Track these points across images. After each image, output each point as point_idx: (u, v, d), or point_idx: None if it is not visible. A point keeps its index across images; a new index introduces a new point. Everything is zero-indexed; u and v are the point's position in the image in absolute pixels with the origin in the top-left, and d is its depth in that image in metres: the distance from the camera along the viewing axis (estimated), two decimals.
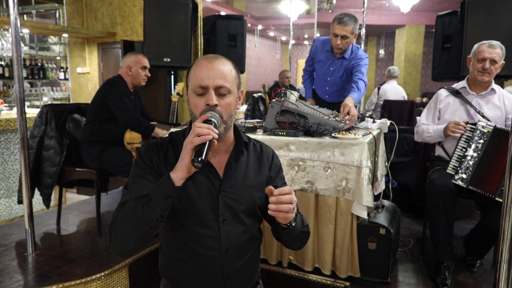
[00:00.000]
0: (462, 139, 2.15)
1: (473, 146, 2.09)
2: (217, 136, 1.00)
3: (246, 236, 1.19)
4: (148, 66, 2.74)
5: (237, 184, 1.16)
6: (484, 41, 2.20)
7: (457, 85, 2.36)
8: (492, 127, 2.07)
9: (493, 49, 2.15)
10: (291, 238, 1.18)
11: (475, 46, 2.23)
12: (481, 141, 2.08)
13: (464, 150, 2.12)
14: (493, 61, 2.16)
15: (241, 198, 1.16)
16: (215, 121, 1.03)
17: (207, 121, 1.02)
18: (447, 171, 2.14)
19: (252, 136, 1.36)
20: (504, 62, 2.20)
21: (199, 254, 1.14)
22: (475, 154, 2.08)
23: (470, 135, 2.12)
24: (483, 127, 2.09)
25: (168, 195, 1.00)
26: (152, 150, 1.15)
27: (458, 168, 2.10)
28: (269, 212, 1.01)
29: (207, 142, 0.97)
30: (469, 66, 2.27)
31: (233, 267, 1.17)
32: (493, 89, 2.27)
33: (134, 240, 1.04)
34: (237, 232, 1.16)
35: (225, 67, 1.11)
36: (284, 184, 1.30)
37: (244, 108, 5.68)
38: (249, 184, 1.18)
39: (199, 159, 0.95)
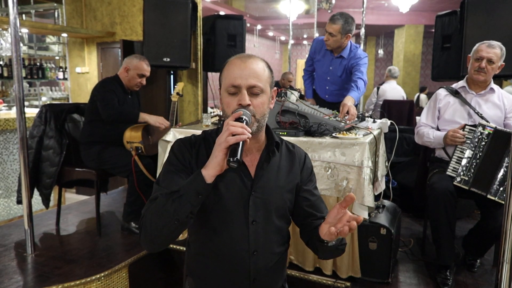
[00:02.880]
0: None
1: (473, 148, 2.08)
2: (250, 135, 0.99)
3: (275, 239, 1.17)
4: (147, 74, 2.71)
5: (268, 185, 1.15)
6: (485, 41, 2.20)
7: (457, 85, 2.36)
8: (493, 129, 2.06)
9: (492, 49, 2.15)
10: (324, 250, 1.13)
11: (476, 45, 2.23)
12: (482, 143, 2.06)
13: (464, 152, 2.11)
14: (490, 61, 2.16)
15: (272, 200, 1.15)
16: (247, 118, 1.02)
17: (239, 119, 1.01)
18: (447, 173, 2.13)
19: None
20: (503, 63, 2.20)
21: (226, 253, 1.13)
22: (476, 156, 2.07)
23: (470, 136, 2.11)
24: (484, 128, 2.07)
25: (199, 192, 0.99)
26: (185, 146, 1.14)
27: (459, 170, 2.08)
28: (332, 230, 0.95)
29: (241, 141, 0.96)
30: (468, 65, 2.27)
31: (260, 269, 1.15)
32: (492, 89, 2.27)
33: (163, 236, 1.03)
34: (266, 234, 1.15)
35: (258, 66, 1.10)
36: (316, 188, 1.27)
37: None
38: (280, 185, 1.17)
39: (235, 159, 0.94)
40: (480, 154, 2.06)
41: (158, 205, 1.02)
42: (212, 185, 1.01)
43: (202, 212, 1.09)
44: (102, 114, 2.54)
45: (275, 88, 1.18)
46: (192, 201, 0.99)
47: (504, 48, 2.18)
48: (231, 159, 0.95)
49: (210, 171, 0.99)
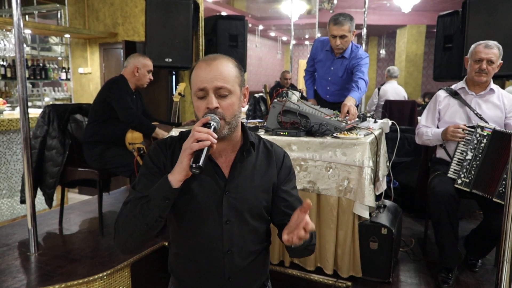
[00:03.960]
0: (461, 142, 2.13)
1: (473, 149, 2.07)
2: (215, 141, 0.99)
3: (251, 238, 1.18)
4: (152, 69, 2.79)
5: (242, 185, 1.15)
6: (481, 42, 2.19)
7: (456, 86, 2.35)
8: (491, 130, 2.05)
9: (490, 49, 2.14)
10: (291, 251, 1.15)
11: (472, 46, 2.22)
12: (482, 144, 2.06)
13: (464, 153, 2.10)
14: (490, 61, 2.15)
15: (246, 199, 1.15)
16: (215, 123, 1.02)
17: (206, 124, 1.01)
18: (448, 175, 2.12)
19: None
20: (501, 61, 2.20)
21: (201, 252, 1.15)
22: (476, 158, 2.06)
23: (470, 138, 2.10)
24: (482, 129, 2.06)
25: (166, 196, 1.01)
26: (160, 149, 1.15)
27: (460, 172, 2.08)
28: (285, 237, 0.98)
29: (206, 147, 0.97)
30: (467, 66, 2.27)
31: (235, 268, 1.16)
32: (492, 89, 2.26)
33: (134, 239, 1.06)
34: (240, 233, 1.16)
35: (224, 67, 1.08)
36: (294, 189, 1.26)
37: (245, 108, 5.68)
38: (255, 185, 1.17)
39: (197, 165, 0.95)
40: (480, 155, 2.05)
41: (129, 210, 1.05)
42: (180, 189, 1.02)
43: (177, 213, 1.11)
44: (122, 117, 2.58)
45: (247, 86, 1.17)
46: (159, 206, 1.02)
47: (501, 47, 2.18)
48: (193, 165, 0.95)
49: (176, 176, 1.01)
